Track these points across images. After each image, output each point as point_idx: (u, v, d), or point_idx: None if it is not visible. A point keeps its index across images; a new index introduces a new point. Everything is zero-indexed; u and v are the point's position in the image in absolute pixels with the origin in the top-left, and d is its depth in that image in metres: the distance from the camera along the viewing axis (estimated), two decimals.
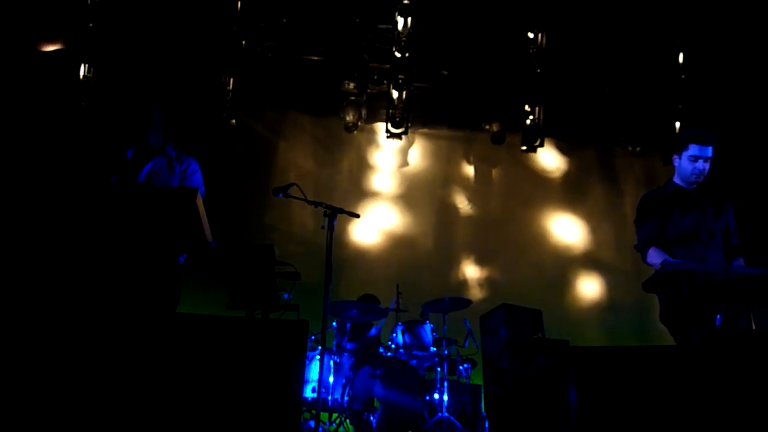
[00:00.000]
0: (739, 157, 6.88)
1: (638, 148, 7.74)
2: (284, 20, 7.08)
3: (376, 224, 7.73)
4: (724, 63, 7.28)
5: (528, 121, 7.21)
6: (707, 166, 3.82)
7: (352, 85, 7.35)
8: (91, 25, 6.50)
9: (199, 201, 3.25)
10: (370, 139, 7.92)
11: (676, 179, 3.95)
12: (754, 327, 3.39)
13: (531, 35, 7.13)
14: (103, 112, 6.51)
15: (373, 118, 7.66)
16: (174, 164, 3.98)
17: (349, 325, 5.83)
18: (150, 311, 3.57)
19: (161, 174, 3.94)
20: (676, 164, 3.95)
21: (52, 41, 6.53)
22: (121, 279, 3.54)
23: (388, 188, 7.91)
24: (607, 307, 7.69)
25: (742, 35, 7.01)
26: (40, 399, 2.39)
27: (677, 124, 7.21)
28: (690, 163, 3.82)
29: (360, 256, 7.58)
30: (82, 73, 6.51)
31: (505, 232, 7.86)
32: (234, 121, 6.97)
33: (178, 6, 6.71)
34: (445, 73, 7.50)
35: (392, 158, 7.97)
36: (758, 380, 2.49)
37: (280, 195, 4.41)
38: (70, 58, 6.50)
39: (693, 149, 3.81)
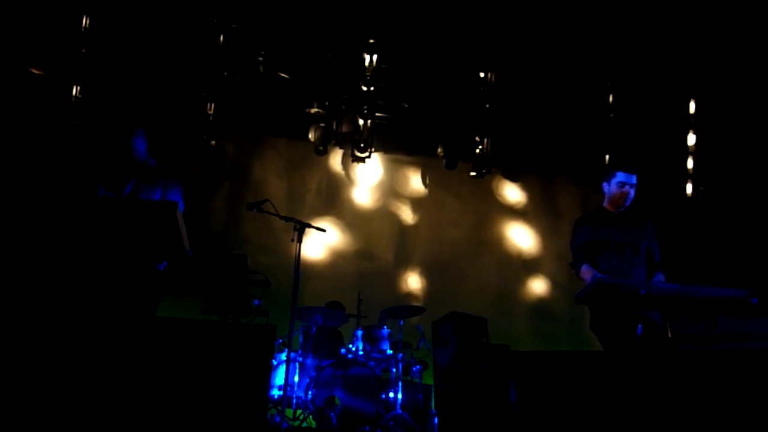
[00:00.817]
0: (658, 184, 7.13)
1: (573, 177, 7.90)
2: (262, 52, 7.06)
3: (341, 238, 7.71)
4: (646, 104, 7.56)
5: (477, 150, 7.31)
6: (633, 191, 3.92)
7: (322, 113, 7.33)
8: (83, 50, 6.38)
9: (179, 214, 3.20)
10: (338, 161, 7.92)
11: (606, 204, 4.05)
12: (669, 335, 3.47)
13: (482, 74, 7.27)
14: (92, 131, 6.38)
15: (341, 143, 7.65)
16: (157, 180, 3.93)
17: (314, 329, 5.78)
18: (132, 315, 3.49)
19: (145, 189, 3.88)
20: (605, 190, 4.05)
21: (40, 66, 6.39)
22: (107, 284, 3.46)
23: (353, 206, 7.90)
24: (544, 316, 7.78)
25: (659, 81, 7.30)
26: (23, 398, 2.30)
27: (607, 157, 7.40)
28: (618, 188, 3.92)
29: (326, 266, 7.53)
30: (74, 93, 6.37)
31: (456, 248, 7.92)
32: (214, 142, 6.88)
33: (166, 33, 6.65)
34: (406, 105, 7.56)
35: (357, 179, 7.98)
36: (672, 381, 2.55)
37: (254, 210, 4.38)
38: (62, 80, 6.36)
39: (620, 176, 3.93)
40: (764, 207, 7.01)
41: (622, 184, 3.90)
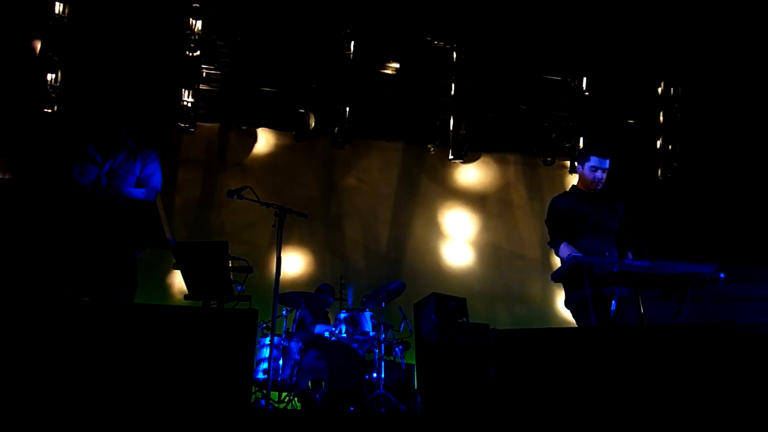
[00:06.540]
0: (629, 166, 7.22)
1: (550, 159, 7.95)
2: (239, 39, 6.96)
3: (323, 223, 7.65)
4: (620, 88, 7.64)
5: (457, 134, 7.32)
6: (604, 176, 3.98)
7: (300, 99, 7.25)
8: (60, 35, 6.23)
9: (160, 204, 3.18)
10: (320, 148, 7.80)
11: (579, 185, 4.10)
12: (642, 311, 3.54)
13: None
14: (70, 117, 6.25)
15: (322, 131, 7.56)
16: (135, 157, 3.87)
17: (298, 313, 5.79)
18: (117, 302, 3.49)
19: (123, 166, 3.81)
20: (579, 172, 4.10)
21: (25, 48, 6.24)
22: (92, 274, 3.46)
23: (333, 192, 7.83)
24: (519, 297, 7.81)
25: (632, 67, 7.39)
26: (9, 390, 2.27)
27: (581, 139, 7.47)
28: (591, 172, 3.97)
29: (307, 251, 7.49)
30: (50, 80, 6.21)
31: (437, 232, 7.92)
32: (193, 129, 6.79)
33: (142, 18, 6.53)
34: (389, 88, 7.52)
35: (338, 165, 7.89)
36: (645, 354, 2.60)
37: (234, 197, 4.35)
38: (38, 66, 6.21)
39: (593, 161, 3.97)
40: (733, 185, 7.14)
41: (594, 169, 3.95)
